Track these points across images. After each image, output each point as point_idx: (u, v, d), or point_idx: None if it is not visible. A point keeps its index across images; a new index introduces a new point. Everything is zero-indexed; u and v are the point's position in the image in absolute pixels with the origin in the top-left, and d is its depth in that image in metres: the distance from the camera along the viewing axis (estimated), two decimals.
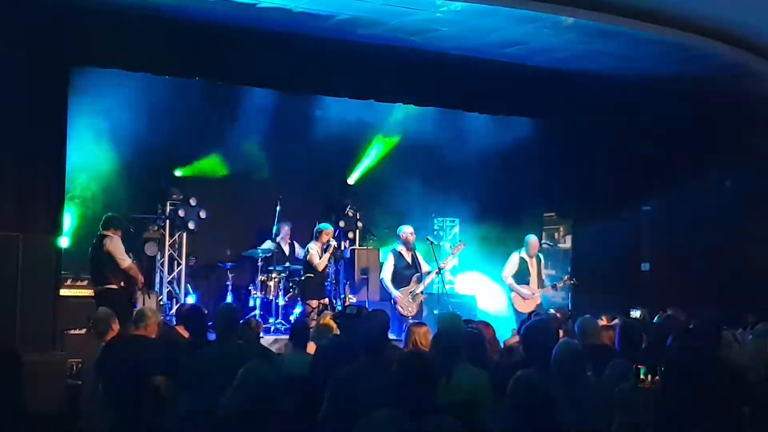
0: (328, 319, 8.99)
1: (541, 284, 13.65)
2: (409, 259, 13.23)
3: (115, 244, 11.34)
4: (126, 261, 11.39)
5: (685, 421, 4.49)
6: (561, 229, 15.87)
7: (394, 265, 13.14)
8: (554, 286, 13.74)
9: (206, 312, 9.24)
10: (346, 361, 6.70)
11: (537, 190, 15.51)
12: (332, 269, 13.76)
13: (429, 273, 13.23)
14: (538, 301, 13.48)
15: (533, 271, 13.60)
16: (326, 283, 13.41)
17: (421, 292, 13.14)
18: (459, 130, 14.68)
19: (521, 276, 13.51)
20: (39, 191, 10.57)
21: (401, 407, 5.00)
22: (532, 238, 13.68)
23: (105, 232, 11.38)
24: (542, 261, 13.86)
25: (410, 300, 13.03)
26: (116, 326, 8.95)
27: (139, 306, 10.61)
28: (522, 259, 13.58)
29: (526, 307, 13.27)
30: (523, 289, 13.40)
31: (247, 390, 5.12)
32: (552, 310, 12.11)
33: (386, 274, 13.12)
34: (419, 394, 5.03)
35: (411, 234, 13.25)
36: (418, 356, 5.63)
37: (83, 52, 10.84)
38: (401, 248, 13.23)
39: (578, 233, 14.72)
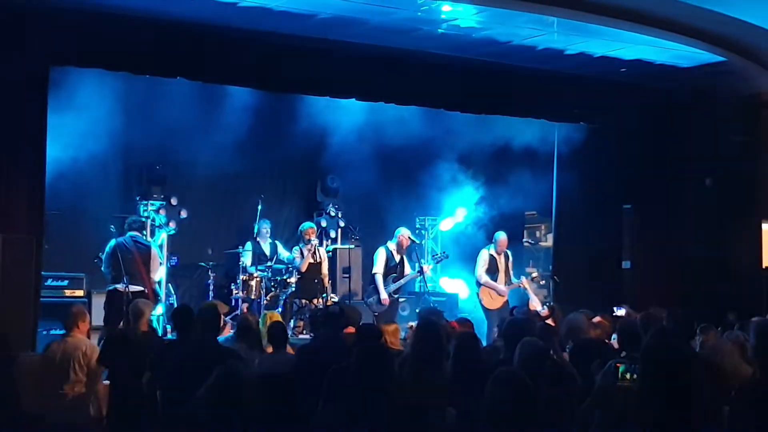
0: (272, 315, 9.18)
1: (508, 281, 13.71)
2: (397, 260, 13.30)
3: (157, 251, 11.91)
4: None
5: (663, 419, 4.49)
6: (542, 227, 15.92)
7: (384, 262, 13.22)
8: (520, 284, 13.74)
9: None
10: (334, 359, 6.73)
11: (518, 189, 15.54)
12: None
13: (407, 276, 13.31)
14: (505, 298, 13.53)
15: (501, 268, 13.68)
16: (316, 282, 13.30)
17: (393, 293, 13.19)
18: (441, 130, 14.70)
19: (490, 273, 13.59)
20: (19, 191, 10.52)
21: (358, 401, 5.00)
22: (501, 236, 13.76)
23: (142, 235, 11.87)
24: (510, 258, 13.91)
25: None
26: (84, 325, 8.92)
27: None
28: (491, 256, 13.67)
29: (494, 305, 13.39)
30: (497, 285, 13.49)
31: (219, 388, 5.11)
32: (545, 307, 12.18)
33: (379, 269, 13.19)
34: (376, 388, 5.03)
35: (407, 239, 13.37)
36: (376, 350, 5.62)
37: (63, 51, 10.79)
38: (393, 248, 13.29)
39: (559, 231, 14.73)
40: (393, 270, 13.27)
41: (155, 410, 7.14)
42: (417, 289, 14.34)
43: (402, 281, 13.29)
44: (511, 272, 13.87)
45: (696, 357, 5.36)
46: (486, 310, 13.43)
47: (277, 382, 6.57)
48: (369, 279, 13.78)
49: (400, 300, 14.19)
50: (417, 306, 14.24)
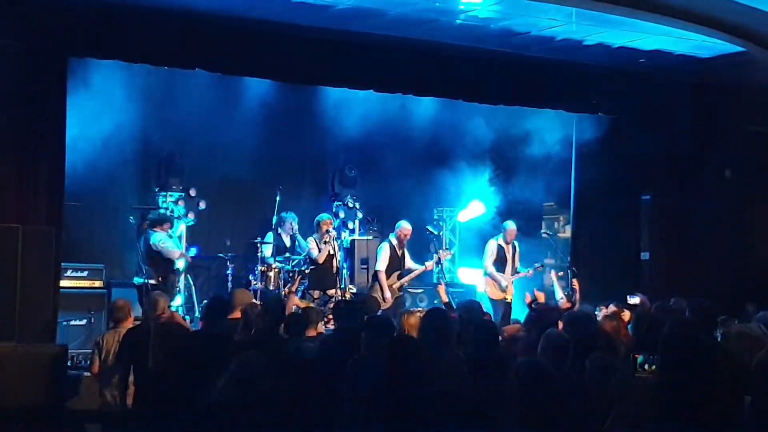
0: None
1: (514, 271, 13.69)
2: (399, 254, 13.23)
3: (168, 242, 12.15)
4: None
5: (683, 411, 4.48)
6: (561, 218, 15.87)
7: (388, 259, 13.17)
8: (525, 273, 13.69)
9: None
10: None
11: (537, 180, 15.51)
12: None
13: (412, 271, 13.26)
14: (512, 289, 13.50)
15: (509, 258, 13.65)
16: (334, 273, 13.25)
17: (398, 289, 13.16)
18: (459, 121, 14.68)
19: (498, 263, 13.56)
20: (39, 183, 10.56)
21: (386, 391, 5.00)
22: (509, 225, 13.71)
23: (156, 229, 12.09)
24: (517, 249, 13.88)
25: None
26: (132, 315, 9.11)
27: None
28: (499, 246, 13.64)
29: (498, 294, 13.37)
30: (500, 278, 13.46)
31: (240, 378, 5.13)
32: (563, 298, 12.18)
33: (382, 266, 13.11)
34: (404, 378, 5.03)
35: (407, 233, 13.25)
36: (406, 340, 5.63)
37: (82, 43, 10.85)
38: (395, 242, 13.24)
39: (578, 223, 14.69)
40: (396, 265, 13.21)
41: (175, 401, 7.15)
42: (435, 281, 14.31)
43: (407, 278, 13.25)
44: (518, 263, 13.84)
45: (716, 347, 5.34)
46: (491, 300, 13.40)
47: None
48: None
49: (417, 291, 14.20)
50: (435, 297, 14.24)
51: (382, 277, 13.03)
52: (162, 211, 13.15)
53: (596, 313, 9.58)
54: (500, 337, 8.16)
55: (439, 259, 13.35)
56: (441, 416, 5.19)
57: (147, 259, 11.93)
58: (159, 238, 11.93)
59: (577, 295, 12.42)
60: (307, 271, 13.07)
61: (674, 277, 14.20)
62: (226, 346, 7.19)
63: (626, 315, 9.32)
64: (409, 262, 13.35)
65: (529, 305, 10.16)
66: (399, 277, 13.15)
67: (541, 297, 11.12)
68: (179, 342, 7.80)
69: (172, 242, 12.25)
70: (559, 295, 12.65)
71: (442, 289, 11.31)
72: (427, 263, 13.35)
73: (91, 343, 10.01)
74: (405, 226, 13.27)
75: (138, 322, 9.17)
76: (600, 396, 5.65)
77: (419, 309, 10.54)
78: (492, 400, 6.04)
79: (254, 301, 10.23)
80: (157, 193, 13.62)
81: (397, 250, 13.20)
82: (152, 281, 11.76)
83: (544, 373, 4.74)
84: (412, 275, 13.30)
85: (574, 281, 12.76)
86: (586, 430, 5.38)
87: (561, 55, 12.99)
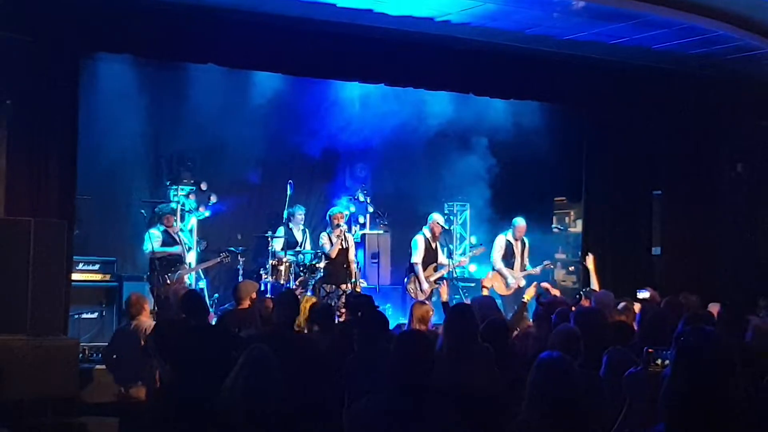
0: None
1: (523, 268, 13.66)
2: (433, 246, 13.29)
3: None
4: None
5: (696, 406, 4.46)
6: (572, 213, 15.84)
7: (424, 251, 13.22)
8: (533, 270, 13.68)
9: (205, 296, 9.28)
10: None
11: (548, 174, 15.49)
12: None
13: (445, 265, 13.30)
14: (522, 283, 13.48)
15: (517, 254, 13.64)
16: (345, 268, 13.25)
17: (435, 281, 13.18)
18: (470, 115, 14.66)
19: (506, 259, 13.55)
20: (51, 176, 10.56)
21: (397, 387, 4.97)
22: (519, 222, 13.70)
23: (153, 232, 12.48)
24: (527, 245, 13.86)
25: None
26: (147, 307, 9.18)
27: None
28: (508, 242, 13.64)
29: (506, 290, 13.35)
30: (508, 273, 13.44)
31: (250, 372, 5.10)
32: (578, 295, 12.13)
33: (419, 258, 13.17)
34: (414, 373, 5.00)
35: (438, 226, 13.30)
36: (416, 336, 5.60)
37: (94, 38, 10.85)
38: (429, 235, 13.29)
39: (589, 217, 14.67)
40: (432, 258, 13.26)
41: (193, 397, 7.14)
42: (445, 275, 14.31)
43: (444, 271, 13.28)
44: (527, 259, 13.82)
45: (733, 344, 5.30)
46: (498, 296, 13.39)
47: None
48: (405, 267, 13.73)
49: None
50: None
51: (419, 269, 13.10)
52: (173, 205, 13.18)
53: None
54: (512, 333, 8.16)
55: (460, 261, 13.41)
56: (466, 411, 5.16)
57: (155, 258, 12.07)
58: (151, 245, 12.12)
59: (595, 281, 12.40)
60: (318, 266, 13.09)
61: (685, 272, 14.15)
62: (243, 341, 7.17)
63: (637, 308, 9.31)
64: (441, 257, 13.39)
65: (537, 299, 10.15)
66: (435, 270, 13.22)
67: (551, 289, 11.06)
68: (197, 336, 7.81)
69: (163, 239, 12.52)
70: (595, 283, 12.47)
71: (444, 288, 11.27)
72: (461, 258, 13.41)
73: (102, 336, 10.07)
74: (437, 219, 13.37)
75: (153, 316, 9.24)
76: (614, 390, 5.64)
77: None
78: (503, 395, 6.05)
79: (260, 292, 10.35)
80: (169, 186, 13.64)
81: (431, 242, 13.27)
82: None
83: (564, 366, 4.69)
84: (443, 271, 13.34)
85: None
86: (600, 424, 5.35)
87: (572, 50, 12.95)
